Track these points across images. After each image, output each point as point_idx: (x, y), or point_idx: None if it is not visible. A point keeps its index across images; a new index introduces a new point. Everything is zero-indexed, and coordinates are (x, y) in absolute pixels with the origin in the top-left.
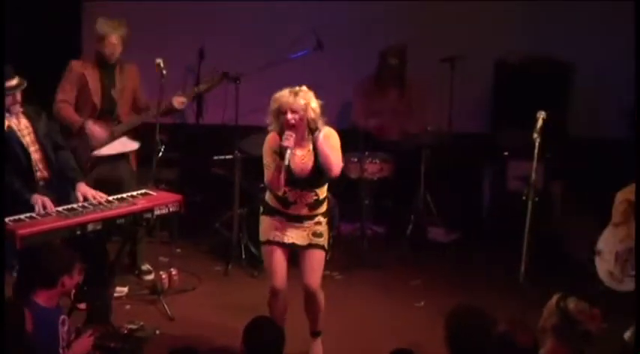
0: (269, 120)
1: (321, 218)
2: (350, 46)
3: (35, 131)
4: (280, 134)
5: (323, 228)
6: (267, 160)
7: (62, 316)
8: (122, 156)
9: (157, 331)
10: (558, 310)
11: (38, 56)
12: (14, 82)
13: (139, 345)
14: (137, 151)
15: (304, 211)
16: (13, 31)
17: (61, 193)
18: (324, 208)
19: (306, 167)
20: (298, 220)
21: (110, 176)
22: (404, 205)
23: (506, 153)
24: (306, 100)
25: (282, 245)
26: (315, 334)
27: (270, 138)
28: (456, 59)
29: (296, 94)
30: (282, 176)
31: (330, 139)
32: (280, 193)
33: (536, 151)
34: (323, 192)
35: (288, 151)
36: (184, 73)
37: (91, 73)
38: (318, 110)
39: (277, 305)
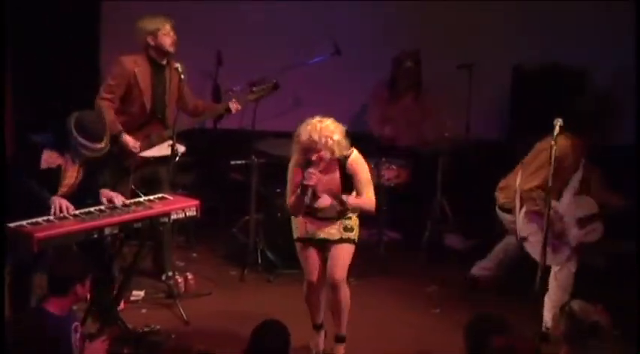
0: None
1: (351, 213)
2: (365, 50)
3: (76, 180)
4: (302, 166)
5: (353, 222)
6: (290, 187)
7: (75, 324)
8: (165, 160)
9: (173, 336)
10: (564, 314)
11: (55, 55)
12: (101, 145)
13: (153, 350)
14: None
15: (333, 214)
16: (31, 30)
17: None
18: None
19: (332, 190)
20: (329, 219)
21: (151, 177)
22: (420, 212)
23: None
24: (327, 137)
25: (315, 241)
26: (339, 338)
27: (293, 167)
28: (473, 66)
29: (318, 132)
30: (303, 207)
31: (363, 173)
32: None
33: (553, 158)
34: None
35: (310, 190)
36: (200, 76)
37: (143, 71)
38: (342, 141)
39: (314, 300)
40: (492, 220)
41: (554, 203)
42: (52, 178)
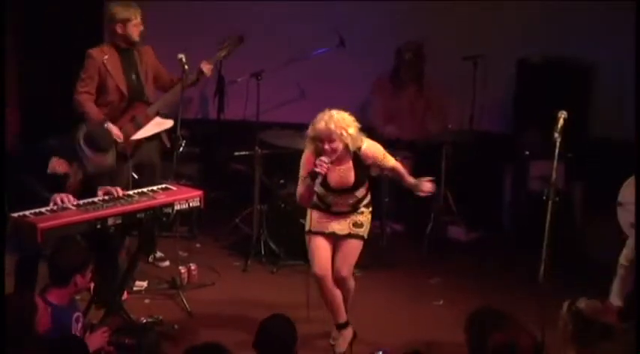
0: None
1: (363, 209)
2: (370, 43)
3: (79, 186)
4: (315, 155)
5: (364, 218)
6: (302, 173)
7: (76, 314)
8: (154, 137)
9: (175, 326)
10: (571, 314)
11: (57, 55)
12: (106, 158)
13: (155, 340)
14: (167, 134)
15: (346, 208)
16: (35, 29)
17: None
18: (366, 200)
19: (347, 181)
20: (341, 214)
21: (146, 160)
22: (424, 204)
23: (527, 152)
24: (342, 129)
25: (324, 234)
26: (340, 326)
27: (307, 154)
28: (478, 58)
29: (335, 122)
30: (312, 196)
31: (379, 153)
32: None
33: (557, 151)
34: (363, 191)
35: (319, 178)
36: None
37: (111, 59)
38: (355, 134)
39: (328, 296)
40: (495, 213)
41: None
42: (58, 183)
